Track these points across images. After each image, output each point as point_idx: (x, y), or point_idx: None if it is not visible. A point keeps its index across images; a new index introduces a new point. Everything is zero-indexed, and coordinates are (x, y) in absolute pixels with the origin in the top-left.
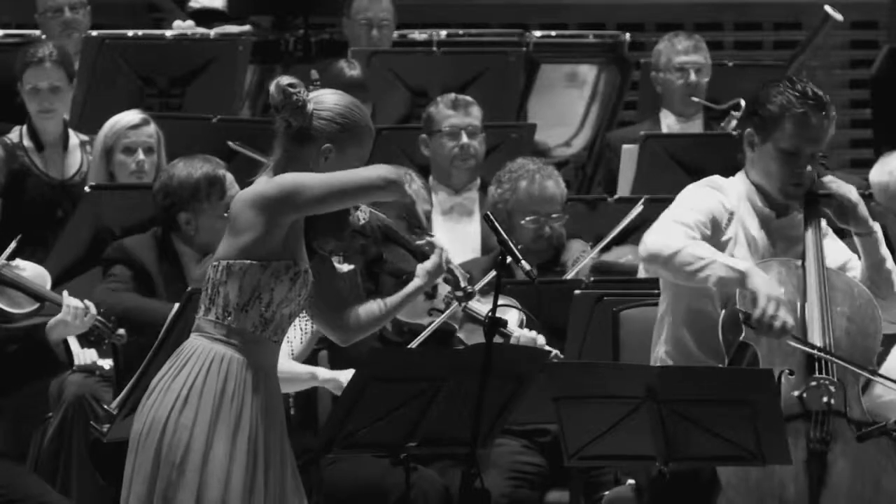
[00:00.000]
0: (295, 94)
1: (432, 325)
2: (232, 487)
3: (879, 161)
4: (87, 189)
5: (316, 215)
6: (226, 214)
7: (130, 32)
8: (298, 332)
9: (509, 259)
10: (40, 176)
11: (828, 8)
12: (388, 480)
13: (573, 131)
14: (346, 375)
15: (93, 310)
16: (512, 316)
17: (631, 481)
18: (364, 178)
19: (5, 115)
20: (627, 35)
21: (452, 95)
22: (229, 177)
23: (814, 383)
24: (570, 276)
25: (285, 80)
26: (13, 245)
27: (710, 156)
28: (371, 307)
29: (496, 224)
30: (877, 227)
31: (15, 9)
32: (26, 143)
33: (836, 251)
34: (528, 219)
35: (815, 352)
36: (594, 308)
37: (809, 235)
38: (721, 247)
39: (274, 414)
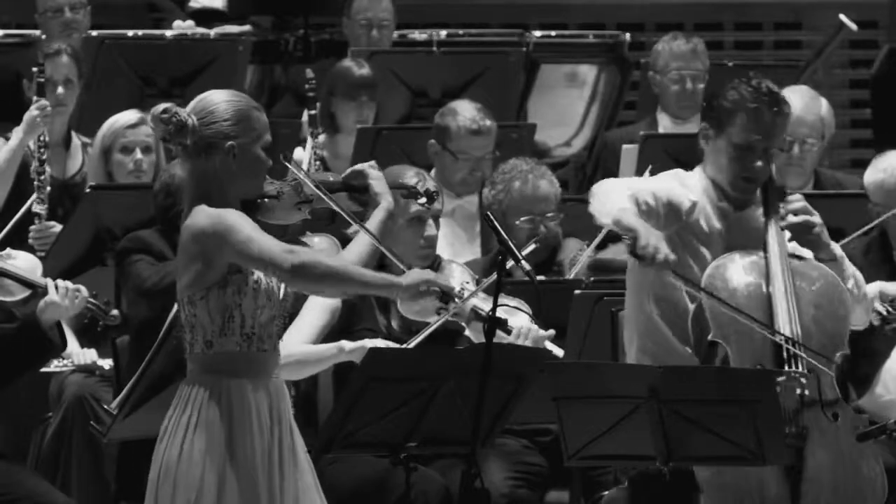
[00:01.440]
0: (171, 117)
1: (436, 324)
2: None
3: (873, 162)
4: (86, 189)
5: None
6: None
7: (130, 32)
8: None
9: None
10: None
11: (842, 17)
12: (388, 480)
13: (573, 131)
14: (371, 343)
15: (84, 292)
16: (521, 319)
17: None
18: (269, 255)
19: (5, 115)
20: (627, 35)
21: (475, 122)
22: None
23: (784, 377)
24: (570, 276)
25: (157, 109)
26: (2, 234)
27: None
28: (355, 250)
29: (496, 224)
30: (837, 249)
31: (15, 9)
32: (29, 142)
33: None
34: (522, 219)
35: (698, 293)
36: (594, 308)
37: (771, 226)
38: (674, 234)
39: (281, 421)
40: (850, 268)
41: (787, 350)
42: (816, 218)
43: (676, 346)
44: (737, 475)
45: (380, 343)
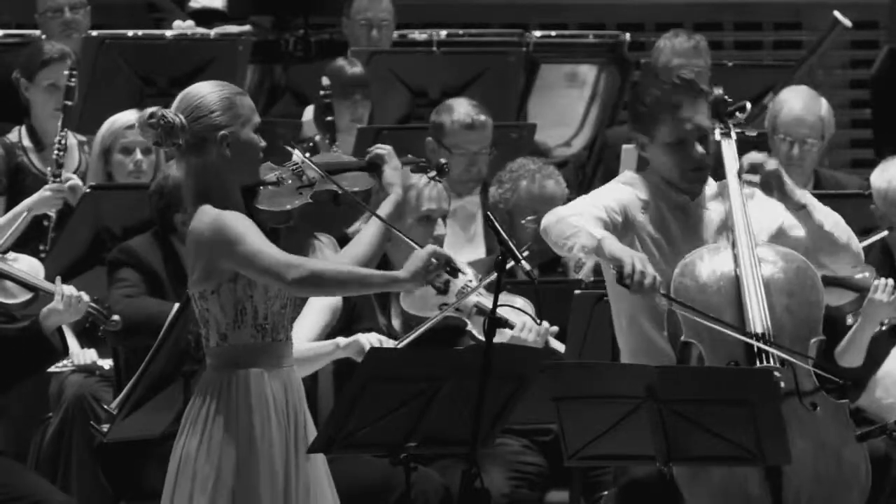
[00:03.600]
0: (159, 120)
1: (433, 320)
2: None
3: (881, 165)
4: (86, 189)
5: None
6: None
7: (130, 32)
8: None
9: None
10: (38, 175)
11: (836, 14)
12: (388, 480)
13: (573, 131)
14: (365, 337)
15: (85, 297)
16: (524, 316)
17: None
18: (274, 269)
19: (5, 115)
20: (627, 35)
21: (469, 116)
22: None
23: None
24: (577, 277)
25: (144, 115)
26: (6, 240)
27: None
28: (366, 234)
29: (496, 224)
30: (806, 197)
31: (15, 9)
32: (25, 143)
33: (769, 215)
34: (528, 218)
35: (692, 314)
36: (594, 308)
37: (737, 216)
38: (634, 236)
39: (297, 411)
40: (823, 211)
41: (757, 347)
42: (772, 164)
43: (664, 348)
44: (719, 476)
45: (373, 338)
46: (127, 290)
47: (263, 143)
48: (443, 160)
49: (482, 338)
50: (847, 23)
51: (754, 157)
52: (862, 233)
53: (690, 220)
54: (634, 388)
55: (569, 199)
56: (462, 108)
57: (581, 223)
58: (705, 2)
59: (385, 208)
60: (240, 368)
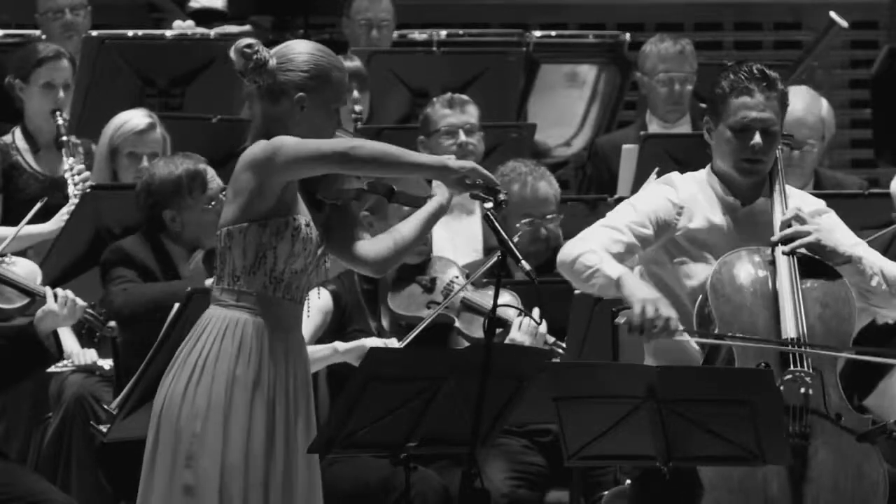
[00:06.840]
0: (254, 53)
1: (430, 317)
2: (252, 450)
3: None
4: (87, 189)
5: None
6: (209, 207)
7: (130, 32)
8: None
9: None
10: (33, 174)
11: (833, 14)
12: (388, 480)
13: (573, 131)
14: (370, 342)
15: (81, 303)
16: (509, 315)
17: (629, 481)
18: (319, 149)
19: (4, 115)
20: (627, 35)
21: (448, 94)
22: (210, 171)
23: (789, 376)
24: None
25: (242, 42)
26: (6, 242)
27: (710, 156)
28: (397, 233)
29: (496, 224)
30: (858, 250)
31: (15, 9)
32: (20, 143)
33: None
34: (523, 222)
35: (715, 342)
36: (594, 308)
37: (778, 223)
38: (681, 236)
39: (297, 376)
40: (876, 264)
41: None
42: (808, 234)
43: (693, 354)
44: (741, 474)
45: (376, 341)
46: (123, 285)
47: (337, 123)
48: (502, 196)
49: (469, 333)
50: (843, 23)
51: (785, 225)
52: (860, 230)
53: (742, 224)
54: (634, 388)
55: (564, 200)
56: (442, 95)
57: (595, 261)
58: (705, 2)
59: (429, 207)
60: (243, 313)
